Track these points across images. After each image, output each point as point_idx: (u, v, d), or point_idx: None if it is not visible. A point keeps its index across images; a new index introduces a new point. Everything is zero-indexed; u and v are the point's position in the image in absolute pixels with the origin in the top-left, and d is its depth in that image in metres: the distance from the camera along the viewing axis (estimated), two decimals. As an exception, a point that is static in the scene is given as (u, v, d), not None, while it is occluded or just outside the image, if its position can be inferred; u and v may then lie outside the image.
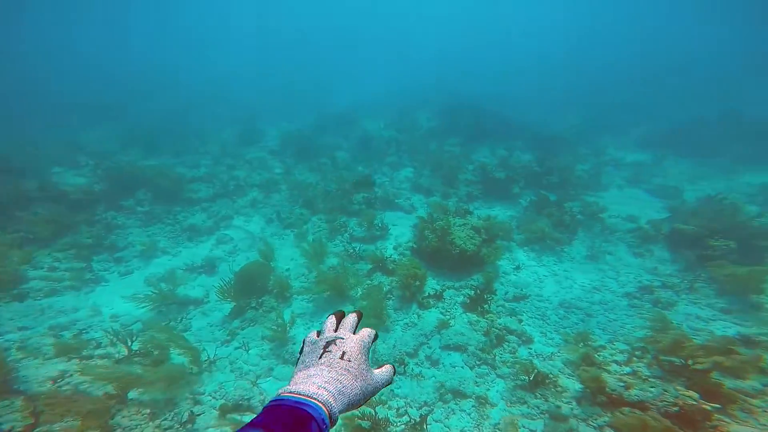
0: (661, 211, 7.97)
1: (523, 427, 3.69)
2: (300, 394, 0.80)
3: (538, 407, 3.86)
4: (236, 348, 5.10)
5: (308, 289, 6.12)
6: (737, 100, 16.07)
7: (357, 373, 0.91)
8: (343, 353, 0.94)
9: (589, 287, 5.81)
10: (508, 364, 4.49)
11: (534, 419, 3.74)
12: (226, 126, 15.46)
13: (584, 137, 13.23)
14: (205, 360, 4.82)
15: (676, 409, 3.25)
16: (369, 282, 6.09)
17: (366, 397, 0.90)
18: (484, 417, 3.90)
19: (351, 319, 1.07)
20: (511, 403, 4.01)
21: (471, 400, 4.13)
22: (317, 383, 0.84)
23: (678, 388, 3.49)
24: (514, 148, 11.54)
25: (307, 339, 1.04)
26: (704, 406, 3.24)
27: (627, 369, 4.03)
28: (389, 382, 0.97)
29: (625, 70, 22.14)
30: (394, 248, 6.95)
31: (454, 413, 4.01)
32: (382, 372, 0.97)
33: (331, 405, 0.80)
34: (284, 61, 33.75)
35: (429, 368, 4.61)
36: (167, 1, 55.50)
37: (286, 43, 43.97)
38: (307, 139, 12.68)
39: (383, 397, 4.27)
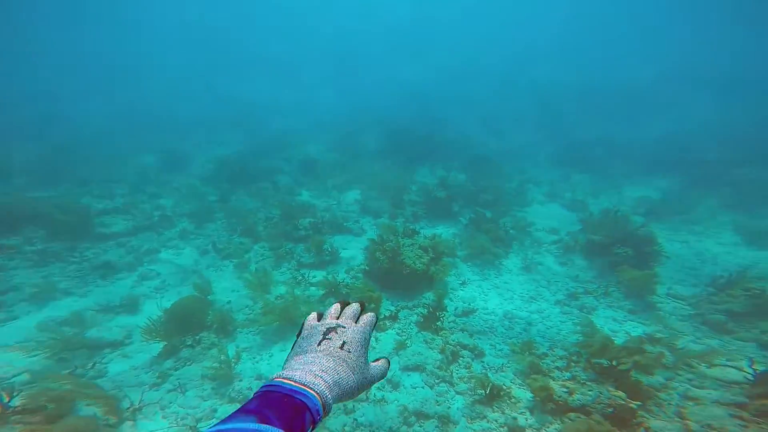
0: (575, 223, 9.18)
1: (486, 443, 3.86)
2: (296, 382, 0.77)
3: (496, 420, 4.06)
4: (169, 391, 4.57)
5: (254, 320, 5.71)
6: (618, 124, 19.57)
7: (354, 365, 0.89)
8: (344, 343, 0.92)
9: (527, 297, 6.39)
10: (464, 380, 4.68)
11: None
12: (146, 151, 13.93)
13: (508, 157, 14.71)
14: (128, 408, 4.22)
15: (611, 410, 3.71)
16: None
17: (360, 390, 0.88)
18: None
19: (354, 307, 1.07)
20: (471, 419, 4.16)
21: (434, 420, 4.19)
22: (314, 371, 0.81)
23: (609, 389, 3.99)
24: (450, 168, 12.30)
25: (307, 322, 1.02)
26: (630, 404, 3.76)
27: (567, 374, 4.49)
28: (383, 376, 0.97)
29: (533, 95, 25.35)
30: (347, 272, 6.83)
31: (419, 437, 4.03)
32: (378, 366, 0.97)
33: (326, 395, 0.78)
34: (214, 84, 31.63)
35: (391, 392, 4.60)
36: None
37: (216, 66, 40.84)
38: (244, 162, 11.97)
39: (347, 428, 4.14)
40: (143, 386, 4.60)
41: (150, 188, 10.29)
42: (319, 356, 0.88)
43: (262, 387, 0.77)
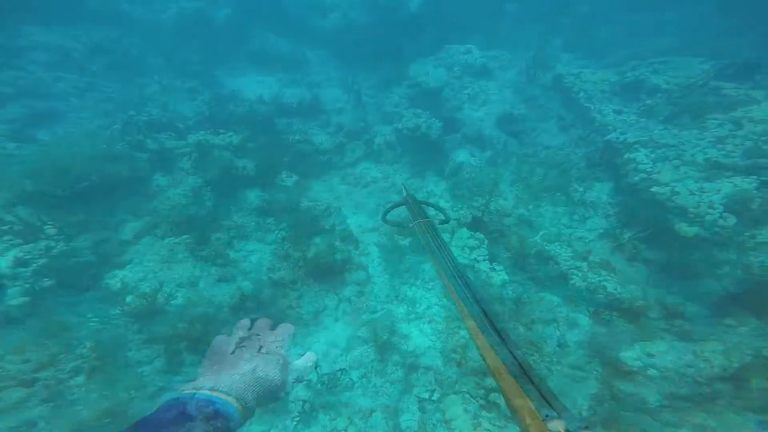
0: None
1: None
2: (207, 390, 0.75)
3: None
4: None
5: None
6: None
7: (273, 361, 0.90)
8: (260, 346, 0.95)
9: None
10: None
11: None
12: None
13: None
14: None
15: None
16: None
17: (284, 387, 0.89)
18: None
19: (264, 321, 1.10)
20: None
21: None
22: (227, 374, 0.81)
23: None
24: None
25: (216, 339, 1.00)
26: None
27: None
28: (311, 370, 1.00)
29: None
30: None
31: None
32: (301, 361, 0.98)
33: (244, 397, 0.77)
34: None
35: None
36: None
37: None
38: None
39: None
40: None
41: None
42: (233, 359, 0.86)
43: (166, 400, 0.70)
